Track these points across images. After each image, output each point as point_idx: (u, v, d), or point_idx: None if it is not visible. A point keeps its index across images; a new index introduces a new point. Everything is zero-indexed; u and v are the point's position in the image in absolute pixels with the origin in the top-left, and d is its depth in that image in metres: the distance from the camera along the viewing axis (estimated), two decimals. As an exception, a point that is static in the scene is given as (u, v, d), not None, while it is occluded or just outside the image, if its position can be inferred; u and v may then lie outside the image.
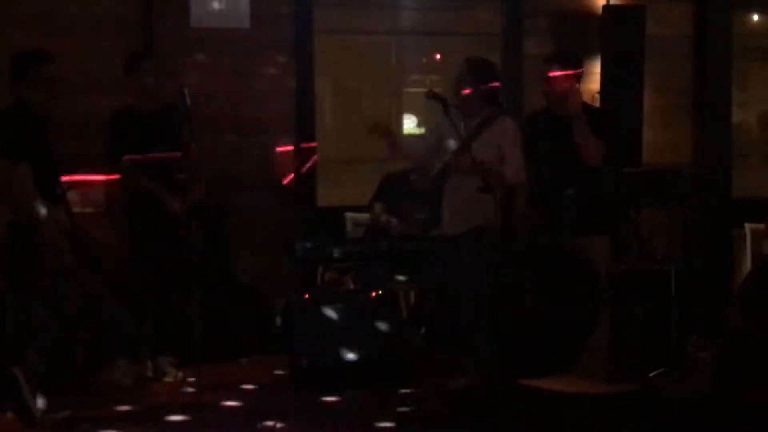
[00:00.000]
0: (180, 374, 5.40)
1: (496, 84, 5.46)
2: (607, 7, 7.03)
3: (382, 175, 6.45)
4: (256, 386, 5.31)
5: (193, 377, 4.99)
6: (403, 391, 5.04)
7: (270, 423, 4.53)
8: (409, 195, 6.09)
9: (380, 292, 5.45)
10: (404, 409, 4.80)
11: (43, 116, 5.02)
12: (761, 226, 6.21)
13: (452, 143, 5.27)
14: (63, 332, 4.94)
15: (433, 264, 5.59)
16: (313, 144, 6.41)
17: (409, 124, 8.23)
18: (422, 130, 8.15)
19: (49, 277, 4.85)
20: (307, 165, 6.30)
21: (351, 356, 5.18)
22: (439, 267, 5.47)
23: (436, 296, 5.65)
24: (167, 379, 5.40)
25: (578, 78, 5.62)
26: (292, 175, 6.23)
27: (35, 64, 4.96)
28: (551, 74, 5.55)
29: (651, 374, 5.24)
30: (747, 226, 6.59)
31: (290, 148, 6.23)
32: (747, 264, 6.47)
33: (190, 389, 5.06)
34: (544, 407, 4.86)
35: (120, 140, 5.40)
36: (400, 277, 5.81)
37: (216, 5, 6.60)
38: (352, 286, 5.93)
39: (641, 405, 4.89)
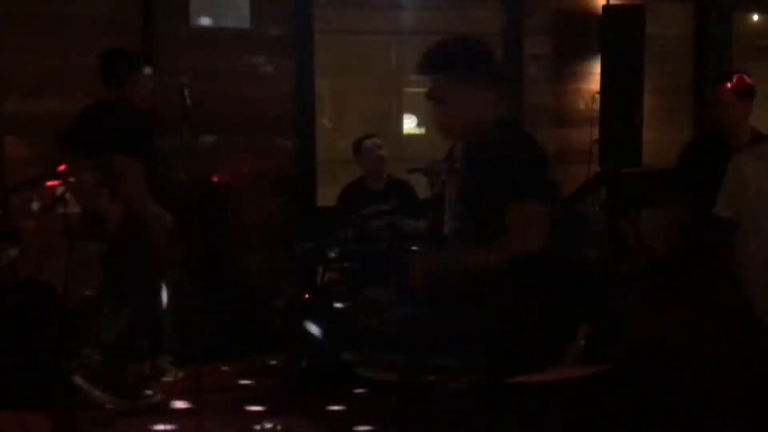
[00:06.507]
0: (180, 374, 5.40)
1: None
2: (607, 7, 7.04)
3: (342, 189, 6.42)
4: (257, 386, 5.31)
5: (192, 377, 4.99)
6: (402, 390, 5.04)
7: (269, 425, 4.53)
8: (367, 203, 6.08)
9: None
10: (404, 408, 4.80)
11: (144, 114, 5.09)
12: None
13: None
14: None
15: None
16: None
17: (409, 124, 8.23)
18: (422, 130, 8.16)
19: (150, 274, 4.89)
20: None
21: (351, 356, 5.17)
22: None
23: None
24: (167, 379, 5.40)
25: (750, 101, 4.87)
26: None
27: (137, 62, 5.02)
28: (722, 99, 4.83)
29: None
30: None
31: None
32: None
33: (190, 389, 5.07)
34: (531, 402, 4.85)
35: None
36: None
37: (216, 5, 6.60)
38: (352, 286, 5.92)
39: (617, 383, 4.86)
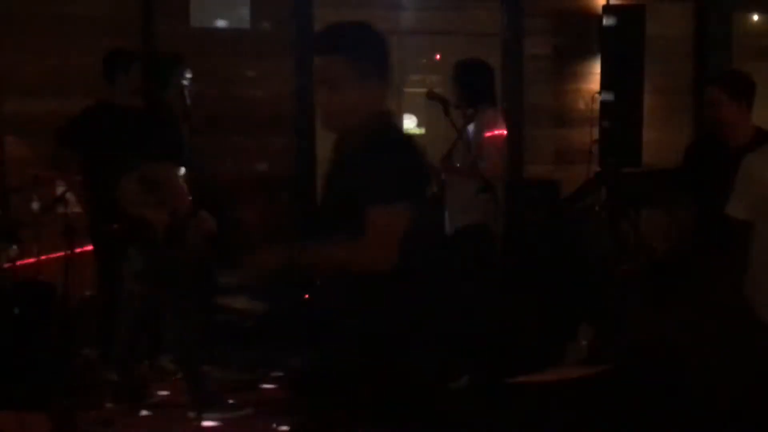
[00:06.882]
0: (180, 374, 5.39)
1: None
2: (607, 7, 7.04)
3: None
4: (256, 386, 5.31)
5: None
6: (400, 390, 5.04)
7: (269, 425, 4.52)
8: None
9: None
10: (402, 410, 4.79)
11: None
12: None
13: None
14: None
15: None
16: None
17: (409, 124, 8.23)
18: (422, 130, 8.16)
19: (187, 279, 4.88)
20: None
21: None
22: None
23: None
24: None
25: (747, 101, 4.72)
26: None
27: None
28: (715, 100, 4.69)
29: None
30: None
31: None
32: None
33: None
34: (531, 402, 4.86)
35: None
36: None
37: (216, 5, 6.60)
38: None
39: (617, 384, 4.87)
